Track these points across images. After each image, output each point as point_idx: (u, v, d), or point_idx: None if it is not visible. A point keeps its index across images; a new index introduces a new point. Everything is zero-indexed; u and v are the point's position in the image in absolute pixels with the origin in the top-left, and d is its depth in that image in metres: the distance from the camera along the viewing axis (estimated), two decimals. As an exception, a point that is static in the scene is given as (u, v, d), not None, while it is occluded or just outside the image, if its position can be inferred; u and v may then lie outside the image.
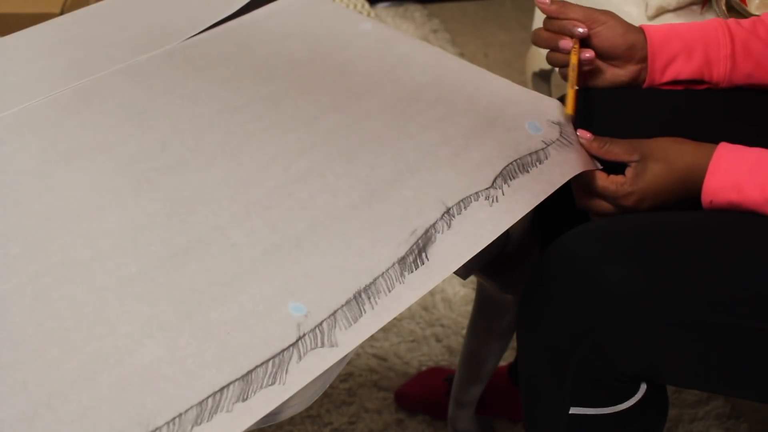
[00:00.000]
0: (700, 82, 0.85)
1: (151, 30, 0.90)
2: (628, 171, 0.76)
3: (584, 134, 0.79)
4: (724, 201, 0.72)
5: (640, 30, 0.84)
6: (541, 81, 1.67)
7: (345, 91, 0.82)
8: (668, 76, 0.84)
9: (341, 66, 0.86)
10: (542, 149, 0.76)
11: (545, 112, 0.80)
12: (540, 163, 0.75)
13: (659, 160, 0.75)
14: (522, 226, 0.82)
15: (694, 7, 1.37)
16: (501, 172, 0.73)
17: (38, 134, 0.74)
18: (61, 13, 1.61)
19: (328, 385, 0.61)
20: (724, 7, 1.25)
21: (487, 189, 0.71)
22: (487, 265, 0.87)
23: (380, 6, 2.25)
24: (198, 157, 0.72)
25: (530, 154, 0.75)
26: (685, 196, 0.75)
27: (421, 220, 0.67)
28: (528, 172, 0.74)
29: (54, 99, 0.79)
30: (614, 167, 0.78)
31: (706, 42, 0.82)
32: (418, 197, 0.69)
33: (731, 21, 0.84)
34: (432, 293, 1.41)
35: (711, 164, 0.73)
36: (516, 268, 0.89)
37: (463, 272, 0.84)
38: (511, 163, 0.74)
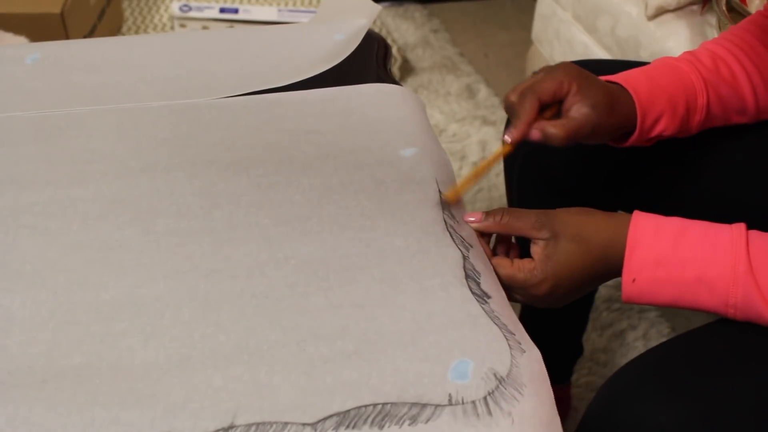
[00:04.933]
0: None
1: (201, 75, 0.86)
2: (536, 252, 0.66)
3: (472, 217, 0.69)
4: (648, 279, 0.64)
5: (622, 90, 0.74)
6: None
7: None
8: (653, 134, 0.76)
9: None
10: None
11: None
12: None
13: (573, 239, 0.65)
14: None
15: (694, 7, 1.37)
16: None
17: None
18: (61, 13, 1.61)
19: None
20: (724, 8, 1.25)
21: None
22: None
23: (380, 6, 2.25)
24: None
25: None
26: (602, 278, 0.67)
27: None
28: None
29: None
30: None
31: (687, 94, 0.75)
32: None
33: (700, 64, 0.77)
34: None
35: (629, 239, 0.65)
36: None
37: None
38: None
